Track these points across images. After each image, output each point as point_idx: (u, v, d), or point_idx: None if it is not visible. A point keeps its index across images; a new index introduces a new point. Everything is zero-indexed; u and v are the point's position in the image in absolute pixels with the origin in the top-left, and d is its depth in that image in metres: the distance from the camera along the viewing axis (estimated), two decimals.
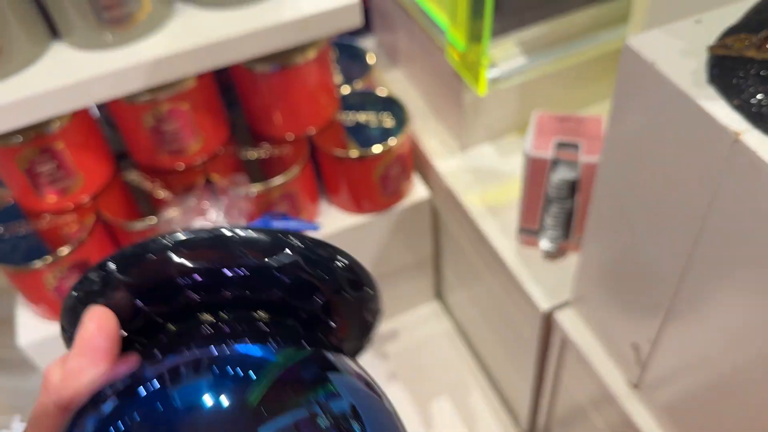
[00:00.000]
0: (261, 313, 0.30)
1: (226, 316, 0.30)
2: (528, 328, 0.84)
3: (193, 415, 0.25)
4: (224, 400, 0.25)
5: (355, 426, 0.27)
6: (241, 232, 0.29)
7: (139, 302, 0.30)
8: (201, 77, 0.82)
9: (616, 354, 0.71)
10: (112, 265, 0.29)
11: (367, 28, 1.15)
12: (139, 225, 0.85)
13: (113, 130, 0.90)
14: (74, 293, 0.30)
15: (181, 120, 0.82)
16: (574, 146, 0.72)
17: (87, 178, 0.84)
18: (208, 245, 0.29)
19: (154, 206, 0.89)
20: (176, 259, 0.28)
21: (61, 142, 0.80)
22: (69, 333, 0.32)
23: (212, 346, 0.28)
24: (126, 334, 0.30)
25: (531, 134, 0.74)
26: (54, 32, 0.77)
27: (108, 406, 0.26)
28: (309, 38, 0.79)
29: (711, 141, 0.47)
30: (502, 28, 0.83)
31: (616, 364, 0.72)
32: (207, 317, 0.30)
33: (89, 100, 0.75)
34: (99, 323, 0.29)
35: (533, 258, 0.82)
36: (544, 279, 0.80)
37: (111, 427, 0.25)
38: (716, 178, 0.47)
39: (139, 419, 0.25)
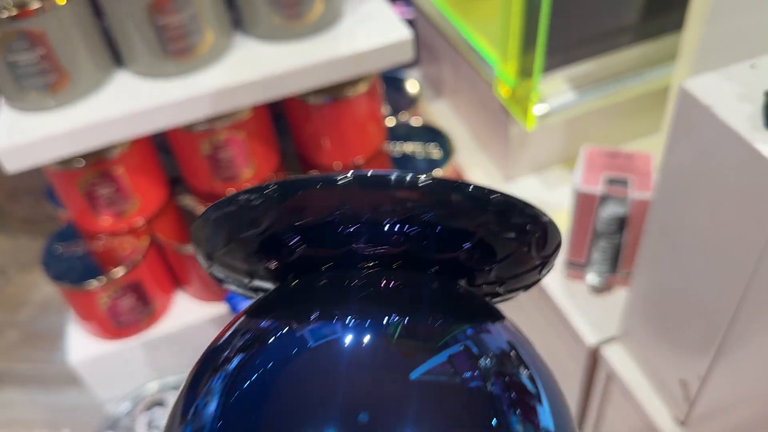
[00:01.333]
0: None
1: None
2: (572, 362, 0.84)
3: (340, 357, 0.24)
4: (368, 339, 0.24)
5: (518, 366, 0.26)
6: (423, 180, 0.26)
7: (290, 235, 0.28)
8: (256, 107, 0.85)
9: (663, 390, 0.71)
10: (273, 189, 0.27)
11: (413, 60, 1.18)
12: (192, 248, 0.88)
13: (168, 155, 0.93)
14: (221, 209, 0.28)
15: (236, 148, 0.85)
16: (624, 182, 0.73)
17: (143, 201, 0.87)
18: (379, 188, 0.26)
19: None
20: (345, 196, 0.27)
21: (121, 167, 0.83)
22: (203, 249, 0.31)
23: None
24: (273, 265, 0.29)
25: (580, 169, 0.75)
26: (118, 60, 0.81)
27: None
28: (362, 72, 0.81)
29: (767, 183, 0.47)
30: (551, 64, 0.84)
31: (662, 400, 0.71)
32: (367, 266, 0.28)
33: (150, 128, 0.78)
34: None
35: (579, 292, 0.83)
36: (590, 313, 0.80)
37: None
38: None
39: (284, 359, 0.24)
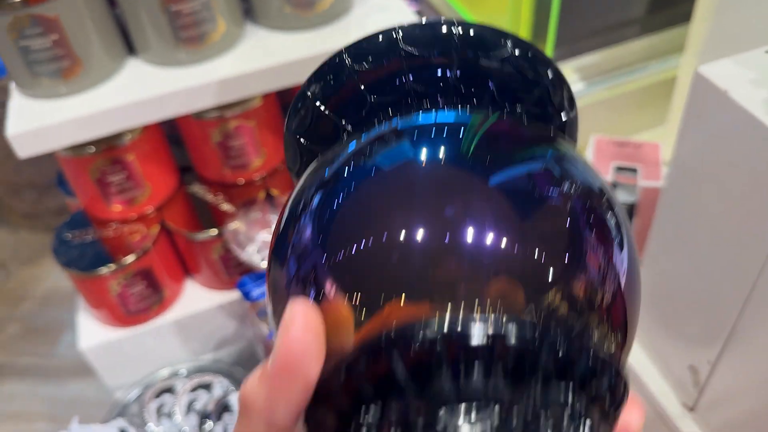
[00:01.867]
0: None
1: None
2: None
3: (420, 167, 0.24)
4: (444, 150, 0.24)
5: (605, 206, 0.24)
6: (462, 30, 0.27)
7: (367, 94, 0.29)
8: (266, 96, 0.85)
9: (672, 376, 0.71)
10: (345, 57, 0.28)
11: None
12: (202, 236, 0.88)
13: (178, 143, 0.93)
14: (308, 90, 0.29)
15: (247, 136, 0.85)
16: (633, 170, 0.74)
17: (153, 189, 0.87)
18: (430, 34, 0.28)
19: (215, 218, 0.92)
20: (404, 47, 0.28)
21: (132, 154, 0.83)
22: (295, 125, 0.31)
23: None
24: (350, 127, 0.29)
25: (590, 158, 0.76)
26: (131, 48, 0.81)
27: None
28: None
29: None
30: (559, 55, 0.85)
31: (671, 386, 0.72)
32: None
33: (162, 115, 0.78)
34: (305, 323, 0.22)
35: None
36: None
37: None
38: None
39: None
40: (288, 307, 0.23)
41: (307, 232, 0.24)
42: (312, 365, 0.22)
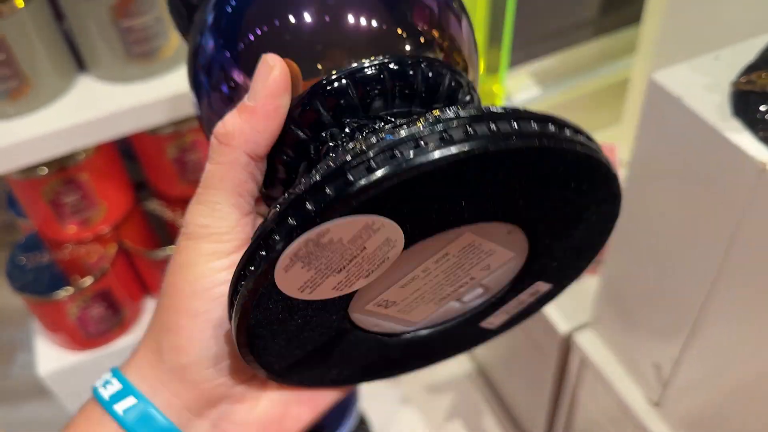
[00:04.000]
0: None
1: None
2: (546, 350, 0.86)
3: None
4: None
5: None
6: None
7: None
8: None
9: (637, 373, 0.73)
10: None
11: None
12: (161, 253, 0.87)
13: (131, 158, 0.91)
14: None
15: (205, 150, 0.84)
16: None
17: (109, 208, 0.85)
18: None
19: (173, 235, 0.90)
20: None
21: (86, 173, 0.81)
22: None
23: None
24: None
25: None
26: (81, 65, 0.79)
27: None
28: None
29: (737, 171, 0.49)
30: (516, 61, 0.86)
31: (636, 383, 0.74)
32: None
33: (116, 132, 0.77)
34: (281, 67, 0.28)
35: None
36: (562, 302, 0.82)
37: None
38: (742, 205, 0.50)
39: None
40: (263, 59, 0.28)
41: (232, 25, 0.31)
42: (287, 100, 0.28)
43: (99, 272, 0.85)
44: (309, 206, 0.24)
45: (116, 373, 0.32)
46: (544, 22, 0.87)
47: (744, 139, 0.49)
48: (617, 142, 0.81)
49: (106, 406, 0.30)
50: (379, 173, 0.23)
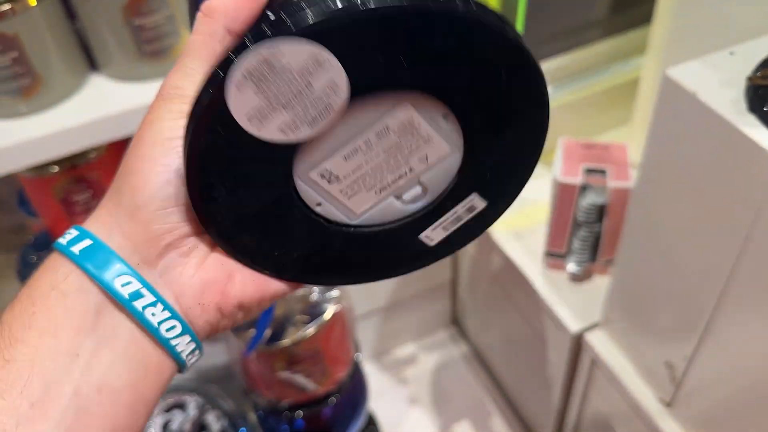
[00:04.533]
0: None
1: None
2: (556, 350, 0.85)
3: None
4: None
5: None
6: None
7: None
8: None
9: (648, 373, 0.73)
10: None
11: None
12: None
13: None
14: None
15: None
16: (602, 172, 0.75)
17: None
18: None
19: None
20: None
21: (97, 172, 0.81)
22: None
23: None
24: None
25: (559, 160, 0.77)
26: (92, 64, 0.79)
27: None
28: None
29: (754, 166, 0.49)
30: None
31: (647, 383, 0.73)
32: None
33: (127, 131, 0.77)
34: None
35: (560, 281, 0.84)
36: (572, 301, 0.82)
37: None
38: (759, 201, 0.50)
39: None
40: None
41: None
42: None
43: None
44: (264, 27, 0.28)
45: (76, 227, 0.34)
46: (554, 21, 0.87)
47: (760, 134, 0.49)
48: (628, 142, 0.80)
49: (62, 249, 0.32)
50: (331, 8, 0.27)
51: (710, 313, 0.59)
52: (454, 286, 1.17)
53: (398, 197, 0.36)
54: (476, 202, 0.36)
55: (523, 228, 0.91)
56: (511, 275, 0.90)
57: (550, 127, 0.35)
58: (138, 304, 0.32)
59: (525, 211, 0.93)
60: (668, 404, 0.71)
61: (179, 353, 0.34)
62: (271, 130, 0.30)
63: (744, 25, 0.66)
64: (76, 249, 0.32)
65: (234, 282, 0.35)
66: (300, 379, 0.85)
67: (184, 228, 0.34)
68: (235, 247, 0.35)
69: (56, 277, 0.32)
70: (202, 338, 0.36)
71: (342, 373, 0.89)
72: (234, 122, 0.29)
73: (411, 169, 0.34)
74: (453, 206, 0.36)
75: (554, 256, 0.83)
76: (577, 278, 0.84)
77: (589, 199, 0.75)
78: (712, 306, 0.59)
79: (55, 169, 0.79)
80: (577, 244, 0.80)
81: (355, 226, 0.36)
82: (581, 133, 0.98)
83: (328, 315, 0.83)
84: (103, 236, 0.33)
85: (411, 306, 1.16)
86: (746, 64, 0.54)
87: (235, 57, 0.28)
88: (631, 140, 0.85)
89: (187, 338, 0.34)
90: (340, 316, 0.86)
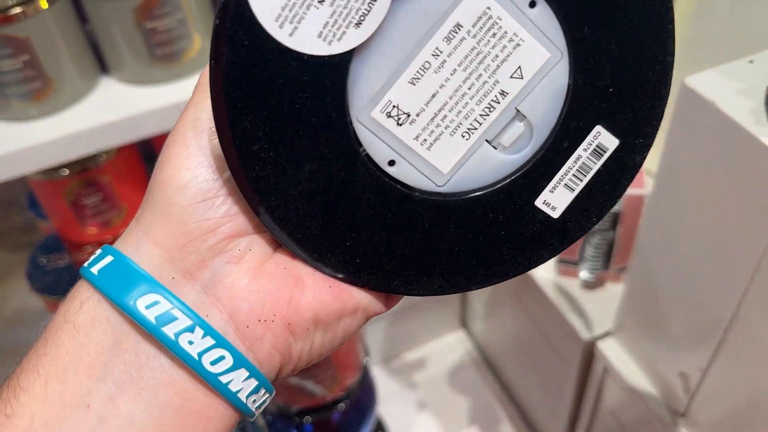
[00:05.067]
0: None
1: None
2: (567, 358, 0.85)
3: None
4: None
5: None
6: None
7: None
8: None
9: (662, 383, 0.72)
10: None
11: None
12: None
13: (154, 161, 0.91)
14: None
15: None
16: None
17: (130, 210, 0.85)
18: None
19: None
20: None
21: (108, 175, 0.81)
22: None
23: None
24: None
25: None
26: (103, 67, 0.79)
27: None
28: None
29: None
30: None
31: (661, 393, 0.73)
32: None
33: (138, 135, 0.76)
34: None
35: (572, 288, 0.84)
36: (584, 309, 0.81)
37: None
38: None
39: None
40: None
41: None
42: None
43: None
44: None
45: (104, 246, 0.28)
46: None
47: None
48: None
49: (83, 271, 0.27)
50: None
51: (727, 323, 0.59)
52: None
53: (495, 143, 0.27)
54: (604, 140, 0.27)
55: None
56: (523, 281, 0.89)
57: None
58: (169, 330, 0.25)
59: None
60: (681, 415, 0.70)
61: (235, 394, 0.26)
62: (306, 37, 0.24)
63: (761, 33, 0.65)
64: (95, 269, 0.26)
65: (304, 288, 0.27)
66: (310, 384, 0.85)
67: (231, 225, 0.27)
68: (291, 233, 0.27)
69: (71, 306, 0.26)
70: (269, 371, 0.27)
71: (351, 379, 0.89)
72: (260, 28, 0.23)
73: (503, 92, 0.26)
74: (573, 149, 0.27)
75: (567, 263, 0.83)
76: (589, 286, 0.83)
77: None
78: (729, 316, 0.58)
79: (66, 172, 0.79)
80: (590, 251, 0.80)
81: (446, 195, 0.28)
82: None
83: None
84: (130, 250, 0.27)
85: (420, 310, 1.16)
86: (766, 73, 0.53)
87: None
88: None
89: (243, 373, 0.26)
90: None
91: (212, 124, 0.26)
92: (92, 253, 0.28)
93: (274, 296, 0.27)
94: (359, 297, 0.29)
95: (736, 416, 0.63)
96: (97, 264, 0.27)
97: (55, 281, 0.85)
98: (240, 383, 0.26)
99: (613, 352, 0.77)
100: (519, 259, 0.29)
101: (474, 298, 1.14)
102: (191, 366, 0.25)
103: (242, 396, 0.26)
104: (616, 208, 0.74)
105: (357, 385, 0.90)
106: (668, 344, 0.69)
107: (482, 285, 0.30)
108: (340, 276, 0.28)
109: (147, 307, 0.25)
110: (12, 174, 0.73)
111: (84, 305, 0.26)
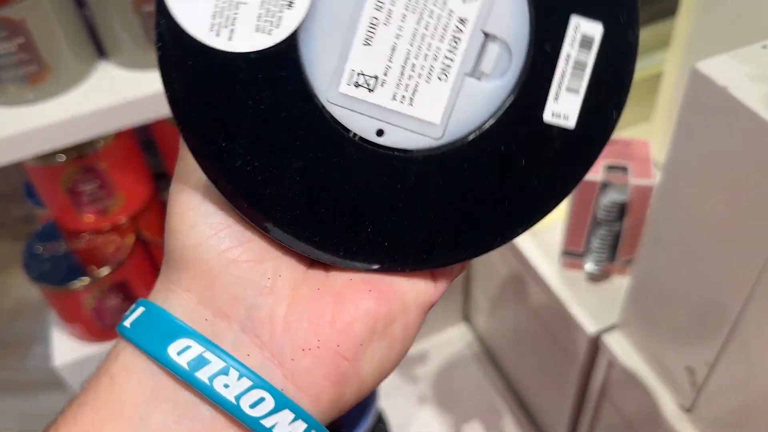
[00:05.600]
0: None
1: None
2: (572, 351, 0.83)
3: None
4: None
5: None
6: None
7: None
8: None
9: (668, 377, 0.70)
10: None
11: None
12: None
13: (152, 150, 0.90)
14: None
15: None
16: (623, 169, 0.73)
17: (127, 197, 0.84)
18: None
19: None
20: None
21: (105, 162, 0.80)
22: None
23: None
24: None
25: None
26: (101, 51, 0.78)
27: None
28: None
29: None
30: None
31: (666, 387, 0.71)
32: None
33: (136, 120, 0.75)
34: None
35: (577, 281, 0.82)
36: (589, 302, 0.80)
37: None
38: None
39: None
40: None
41: None
42: None
43: (116, 263, 0.83)
44: None
45: (139, 299, 0.28)
46: None
47: None
48: (649, 139, 0.78)
49: (119, 327, 0.27)
50: None
51: (735, 317, 0.57)
52: (467, 283, 1.15)
53: (477, 74, 0.25)
54: (587, 29, 0.25)
55: (539, 226, 0.88)
56: (527, 274, 0.88)
57: None
58: (202, 375, 0.24)
59: None
60: (688, 410, 0.69)
61: None
62: (245, 36, 0.22)
63: None
64: (128, 322, 0.26)
65: (344, 303, 0.26)
66: None
67: (247, 251, 0.25)
68: (308, 239, 0.26)
69: (109, 359, 0.26)
70: (323, 409, 0.25)
71: None
72: (198, 43, 0.22)
73: (462, 20, 0.24)
74: (558, 49, 0.25)
75: (572, 255, 0.81)
76: (595, 278, 0.81)
77: (610, 197, 0.73)
78: (737, 310, 0.56)
79: (62, 158, 0.78)
80: (595, 243, 0.78)
81: (448, 145, 0.26)
82: None
83: None
84: (160, 298, 0.26)
85: None
86: None
87: None
88: (651, 137, 0.82)
89: (288, 415, 0.24)
90: None
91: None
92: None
93: (314, 321, 0.25)
94: (403, 290, 0.27)
95: (743, 411, 0.62)
96: (130, 317, 0.26)
97: (52, 270, 0.83)
98: (285, 426, 0.24)
99: (618, 345, 0.75)
100: (554, 184, 0.27)
101: (477, 291, 1.13)
102: (230, 411, 0.24)
103: None
104: (623, 198, 0.73)
105: None
106: (675, 338, 0.67)
107: (529, 225, 0.28)
108: (374, 267, 0.26)
109: (179, 353, 0.24)
110: (7, 159, 0.72)
111: (120, 356, 0.25)
